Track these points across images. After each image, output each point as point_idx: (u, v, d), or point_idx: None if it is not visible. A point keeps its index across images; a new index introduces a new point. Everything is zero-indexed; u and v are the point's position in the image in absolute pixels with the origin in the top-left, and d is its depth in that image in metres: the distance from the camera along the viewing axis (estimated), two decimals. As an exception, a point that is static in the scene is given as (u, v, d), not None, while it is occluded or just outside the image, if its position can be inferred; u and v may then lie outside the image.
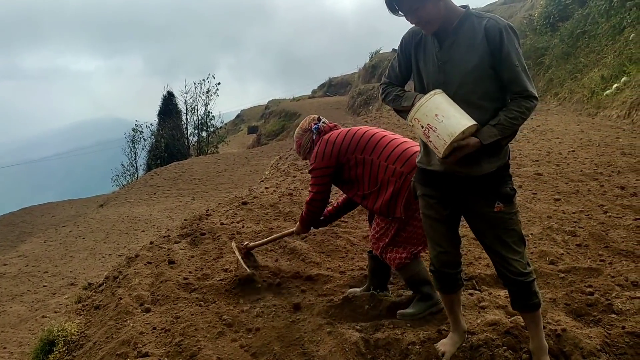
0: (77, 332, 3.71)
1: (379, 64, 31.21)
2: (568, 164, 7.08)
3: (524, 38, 18.24)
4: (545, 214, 4.99)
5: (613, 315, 2.95)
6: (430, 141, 2.18)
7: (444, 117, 2.13)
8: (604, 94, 12.40)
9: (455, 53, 2.25)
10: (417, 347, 2.77)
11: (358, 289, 3.53)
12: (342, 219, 5.20)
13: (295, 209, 5.59)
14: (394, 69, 2.52)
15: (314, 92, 44.47)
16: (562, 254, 4.02)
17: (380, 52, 33.29)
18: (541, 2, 18.83)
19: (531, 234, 4.47)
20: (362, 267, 3.95)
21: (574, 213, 4.98)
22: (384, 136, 3.20)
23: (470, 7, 2.31)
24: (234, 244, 4.13)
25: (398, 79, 2.51)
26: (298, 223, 3.67)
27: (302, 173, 7.50)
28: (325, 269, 4.01)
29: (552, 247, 4.14)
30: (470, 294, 3.44)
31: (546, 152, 8.02)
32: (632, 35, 12.87)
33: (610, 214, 4.85)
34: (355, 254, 4.32)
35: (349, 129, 3.34)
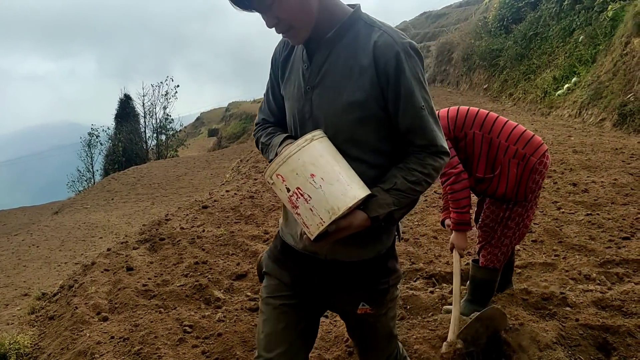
0: (30, 344, 3.57)
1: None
2: (523, 162, 7.27)
3: (479, 40, 18.69)
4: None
5: (567, 309, 3.04)
6: (299, 214, 1.43)
7: (324, 181, 1.40)
8: (556, 94, 12.82)
9: (327, 76, 1.52)
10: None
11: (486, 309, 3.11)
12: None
13: (257, 212, 5.55)
14: (267, 98, 1.76)
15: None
16: (519, 250, 4.12)
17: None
18: (495, 5, 19.30)
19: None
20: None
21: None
22: (498, 116, 2.93)
23: (362, 8, 1.59)
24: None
25: (273, 112, 1.75)
26: (453, 236, 2.91)
27: (263, 175, 7.44)
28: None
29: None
30: (432, 292, 3.49)
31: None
32: (581, 37, 13.35)
33: (563, 210, 5.01)
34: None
35: (456, 106, 3.01)
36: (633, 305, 3.01)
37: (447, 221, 3.09)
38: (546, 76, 13.93)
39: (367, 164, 1.53)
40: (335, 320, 3.22)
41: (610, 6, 12.22)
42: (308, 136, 1.44)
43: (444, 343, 2.66)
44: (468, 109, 2.94)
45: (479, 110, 2.96)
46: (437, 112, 2.97)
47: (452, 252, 2.96)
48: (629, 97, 9.94)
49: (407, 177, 1.49)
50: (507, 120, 2.92)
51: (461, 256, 2.92)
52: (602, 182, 5.77)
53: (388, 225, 1.57)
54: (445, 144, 1.54)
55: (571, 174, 6.39)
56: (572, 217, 4.76)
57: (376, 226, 1.48)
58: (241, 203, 5.93)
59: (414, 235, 4.64)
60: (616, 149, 7.36)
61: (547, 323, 2.89)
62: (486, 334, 2.72)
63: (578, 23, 13.93)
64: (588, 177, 6.11)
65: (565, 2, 14.63)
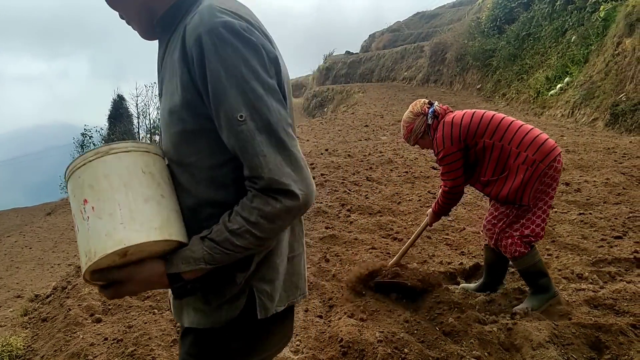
0: (23, 346, 3.55)
1: (333, 66, 31.38)
2: (516, 162, 7.31)
3: (472, 40, 18.74)
4: (495, 211, 5.14)
5: (560, 307, 3.06)
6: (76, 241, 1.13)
7: (94, 212, 1.05)
8: (549, 94, 12.88)
9: (163, 80, 1.23)
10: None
11: (471, 285, 3.53)
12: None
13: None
14: None
15: (268, 94, 44.26)
16: (512, 249, 4.14)
17: (334, 54, 33.49)
18: (488, 6, 19.36)
19: (482, 230, 4.58)
20: (321, 266, 3.95)
21: (522, 209, 5.14)
22: (513, 121, 3.02)
23: None
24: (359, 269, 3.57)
25: None
26: (431, 213, 3.42)
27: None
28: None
29: (502, 243, 4.26)
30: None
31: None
32: (573, 38, 13.41)
33: (556, 209, 5.04)
34: (313, 255, 4.31)
35: (471, 110, 3.14)
36: (625, 304, 3.03)
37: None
38: (539, 76, 13.99)
39: (197, 198, 1.16)
40: (329, 321, 3.22)
41: (602, 6, 12.29)
42: (104, 148, 1.09)
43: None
44: (483, 115, 3.03)
45: (493, 115, 3.04)
46: (450, 117, 3.08)
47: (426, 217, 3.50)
48: (621, 97, 10.00)
49: (228, 224, 1.08)
50: (521, 125, 3.01)
51: (429, 225, 3.50)
52: (594, 181, 5.80)
53: (198, 289, 1.15)
54: (288, 179, 1.05)
55: (564, 173, 6.42)
56: (564, 217, 4.78)
57: (179, 288, 1.12)
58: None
59: (408, 235, 4.64)
60: (608, 148, 7.41)
61: (540, 322, 2.90)
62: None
63: (570, 23, 14.00)
64: (581, 176, 6.15)
65: (558, 3, 14.70)
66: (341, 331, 2.97)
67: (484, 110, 3.12)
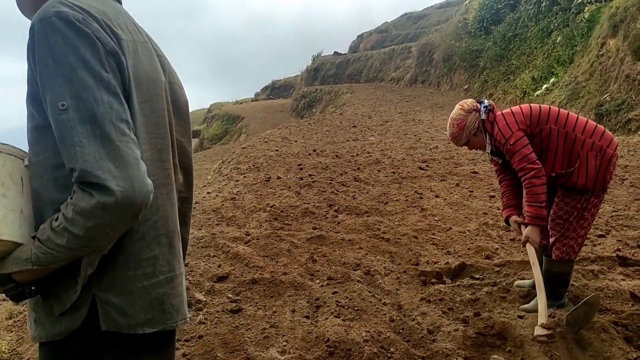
0: (7, 349, 3.52)
1: (321, 67, 31.41)
2: (502, 162, 7.38)
3: (459, 41, 18.85)
4: (481, 211, 5.19)
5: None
6: None
7: None
8: (535, 95, 13.00)
9: None
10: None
11: (526, 281, 3.38)
12: (286, 221, 5.21)
13: (238, 213, 5.53)
14: None
15: (257, 95, 44.19)
16: (497, 248, 4.18)
17: (322, 54, 33.53)
18: (475, 7, 19.49)
19: (468, 230, 4.63)
20: (308, 267, 3.96)
21: (507, 209, 5.19)
22: (568, 112, 2.96)
23: None
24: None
25: None
26: (528, 230, 2.91)
27: (244, 177, 7.44)
28: (268, 272, 4.00)
29: (487, 243, 4.31)
30: (422, 292, 3.52)
31: (482, 151, 8.31)
32: (559, 38, 13.55)
33: (541, 208, 5.09)
34: (300, 256, 4.32)
35: (526, 104, 3.03)
36: (607, 302, 3.08)
37: (514, 217, 3.10)
38: (525, 77, 14.11)
39: (42, 200, 1.10)
40: (316, 321, 3.23)
41: (586, 8, 12.43)
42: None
43: (536, 327, 2.70)
44: (540, 106, 2.96)
45: (550, 107, 2.97)
46: (507, 110, 2.95)
47: (524, 246, 2.99)
48: (605, 97, 10.12)
49: (52, 222, 1.02)
50: (578, 115, 2.96)
51: (536, 250, 2.93)
52: (578, 180, 5.87)
53: (34, 293, 1.08)
54: (103, 174, 0.97)
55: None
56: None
57: (10, 290, 1.06)
58: (222, 205, 5.91)
59: (395, 235, 4.67)
60: (593, 148, 7.50)
61: (525, 320, 2.94)
62: (586, 320, 2.80)
63: (556, 24, 14.14)
64: (565, 176, 6.21)
65: (543, 4, 14.85)
66: (328, 331, 2.98)
67: (538, 104, 3.02)
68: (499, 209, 5.21)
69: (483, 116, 3.02)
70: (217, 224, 5.33)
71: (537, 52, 14.59)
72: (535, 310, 2.93)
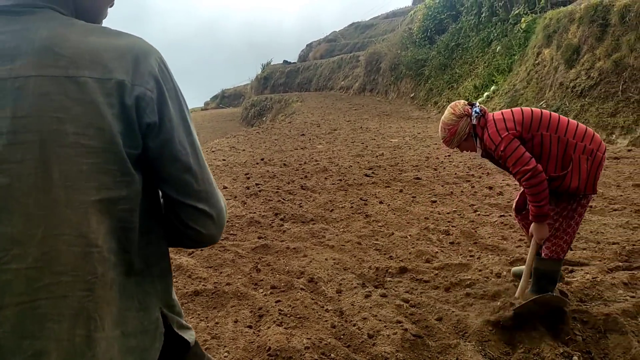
0: None
1: (271, 76, 31.45)
2: (444, 168, 7.60)
3: (405, 50, 19.30)
4: (423, 216, 5.32)
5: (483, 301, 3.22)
6: None
7: None
8: (477, 102, 13.44)
9: None
10: (300, 353, 2.83)
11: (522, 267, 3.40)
12: (231, 231, 5.19)
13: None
14: None
15: (206, 104, 43.75)
16: (437, 252, 4.30)
17: (272, 63, 33.57)
18: (419, 17, 20.03)
19: (409, 235, 4.74)
20: (252, 276, 3.95)
21: (448, 213, 5.36)
22: (559, 115, 3.00)
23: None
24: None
25: None
26: (534, 227, 3.03)
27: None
28: (211, 283, 3.96)
29: (428, 247, 4.42)
30: (367, 294, 3.57)
31: (425, 158, 8.55)
32: (498, 48, 14.10)
33: (479, 212, 5.27)
34: (244, 265, 4.31)
35: (517, 108, 3.06)
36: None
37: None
38: (468, 85, 14.59)
39: None
40: (258, 331, 3.23)
41: (523, 19, 13.00)
42: None
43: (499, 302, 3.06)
44: (532, 111, 2.98)
45: (541, 111, 3.01)
46: (497, 113, 2.99)
47: (530, 238, 3.16)
48: (541, 104, 10.57)
49: None
50: (568, 119, 3.02)
51: (538, 242, 3.07)
52: (515, 184, 6.11)
53: None
54: None
55: (488, 177, 6.74)
56: (486, 219, 5.02)
57: None
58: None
59: (340, 242, 4.73)
60: (529, 153, 7.82)
61: (459, 322, 3.04)
62: (539, 314, 2.94)
63: (495, 34, 14.71)
64: (503, 180, 6.46)
65: (483, 15, 15.42)
66: (269, 340, 2.99)
67: (527, 107, 3.08)
68: (439, 214, 5.37)
69: (474, 122, 3.04)
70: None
71: (478, 61, 15.12)
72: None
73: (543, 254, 3.12)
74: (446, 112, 3.15)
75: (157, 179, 1.09)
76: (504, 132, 2.88)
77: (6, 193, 0.95)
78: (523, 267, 3.53)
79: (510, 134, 2.87)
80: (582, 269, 3.74)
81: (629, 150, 7.54)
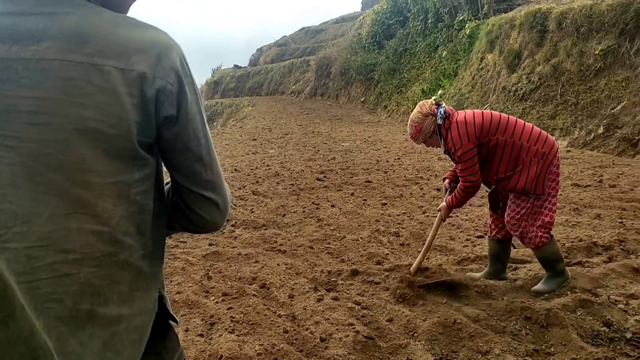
0: None
1: (221, 80, 31.13)
2: (394, 171, 7.74)
3: (355, 55, 19.53)
4: (373, 218, 5.40)
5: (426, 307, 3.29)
6: None
7: None
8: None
9: None
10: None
11: (477, 274, 3.65)
12: (181, 239, 5.10)
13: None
14: None
15: (155, 109, 42.80)
16: (388, 254, 4.37)
17: (222, 67, 33.25)
18: (368, 22, 20.33)
19: (361, 237, 4.80)
20: (203, 284, 3.90)
21: (398, 215, 5.45)
22: (516, 119, 3.26)
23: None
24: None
25: None
26: (444, 207, 3.57)
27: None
28: (161, 292, 3.88)
29: (379, 249, 4.48)
30: (320, 298, 3.57)
31: (376, 161, 8.68)
32: (444, 53, 14.49)
33: (428, 214, 5.39)
34: (195, 273, 4.24)
35: (478, 110, 3.32)
36: (478, 299, 3.33)
37: (447, 182, 3.71)
38: (416, 89, 14.90)
39: None
40: (210, 339, 3.19)
41: (467, 24, 13.40)
42: None
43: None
44: (491, 115, 3.25)
45: (500, 115, 3.27)
46: (461, 116, 3.23)
47: (437, 212, 3.70)
48: (486, 108, 10.93)
49: None
50: (525, 122, 3.28)
51: (442, 220, 3.66)
52: (462, 186, 6.29)
53: None
54: None
55: (436, 179, 6.90)
56: (435, 220, 5.13)
57: None
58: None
59: (292, 246, 4.73)
60: (475, 155, 8.06)
61: (409, 322, 3.10)
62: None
63: (441, 40, 15.10)
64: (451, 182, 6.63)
65: (430, 21, 15.80)
66: (221, 347, 2.95)
67: (488, 111, 3.33)
68: (390, 216, 5.45)
69: (439, 121, 3.29)
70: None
71: (425, 65, 15.47)
72: (479, 278, 3.61)
73: (531, 247, 3.37)
74: (414, 110, 3.42)
75: (168, 165, 1.13)
76: (465, 139, 3.16)
77: (17, 171, 0.96)
78: (476, 274, 3.69)
79: (470, 142, 3.16)
80: (525, 266, 3.90)
81: (568, 151, 7.90)
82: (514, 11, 11.63)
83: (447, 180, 3.71)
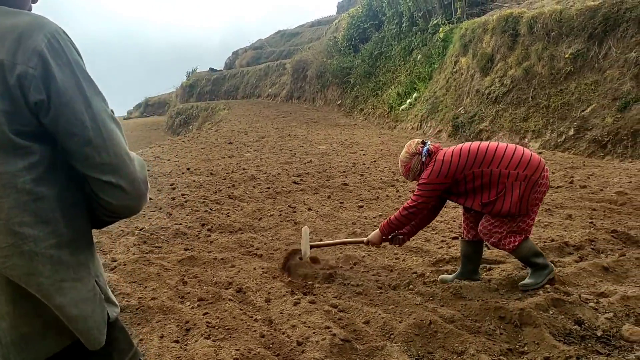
0: None
1: (197, 83, 30.92)
2: (370, 174, 7.78)
3: (330, 58, 19.58)
4: (350, 221, 5.41)
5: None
6: None
7: None
8: (400, 109, 13.87)
9: None
10: None
11: (449, 276, 3.72)
12: (156, 244, 5.04)
13: (104, 239, 5.24)
14: None
15: (129, 113, 42.26)
16: (364, 256, 4.39)
17: (197, 70, 33.02)
18: (344, 26, 20.42)
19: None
20: (178, 289, 3.85)
21: (374, 217, 5.48)
22: (498, 146, 3.35)
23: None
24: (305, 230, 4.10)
25: None
26: (377, 231, 3.74)
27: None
28: (136, 298, 3.82)
29: (355, 251, 4.50)
30: (296, 302, 3.56)
31: (352, 164, 8.71)
32: (419, 56, 14.64)
33: (404, 216, 5.43)
34: (170, 279, 4.19)
35: (460, 146, 3.45)
36: (452, 300, 3.36)
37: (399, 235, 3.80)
38: (391, 92, 15.01)
39: None
40: (185, 345, 3.15)
41: (441, 28, 13.56)
42: None
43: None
44: (469, 149, 3.35)
45: (479, 146, 3.36)
46: (441, 154, 3.37)
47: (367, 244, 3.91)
48: (460, 110, 11.08)
49: None
50: (506, 147, 3.35)
51: (367, 244, 3.86)
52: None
53: None
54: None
55: (412, 184, 6.95)
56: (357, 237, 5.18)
57: None
58: (87, 231, 5.57)
59: (268, 250, 4.71)
60: (450, 157, 8.15)
61: (385, 324, 3.11)
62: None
63: (416, 43, 15.24)
64: (426, 184, 6.69)
65: (404, 25, 15.94)
66: (197, 354, 2.92)
67: (470, 143, 3.43)
68: (366, 219, 5.48)
69: (424, 159, 3.50)
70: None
71: (400, 69, 15.60)
72: (452, 280, 3.67)
73: (509, 250, 3.43)
74: (403, 150, 3.63)
75: (64, 152, 1.09)
76: (434, 176, 3.35)
77: None
78: (448, 276, 3.78)
79: (440, 180, 3.34)
80: (499, 267, 3.95)
81: (540, 153, 8.05)
82: (486, 15, 11.82)
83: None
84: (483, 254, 3.84)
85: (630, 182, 6.02)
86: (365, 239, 3.83)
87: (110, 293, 1.28)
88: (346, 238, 3.87)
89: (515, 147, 3.40)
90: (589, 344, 2.80)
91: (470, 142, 3.50)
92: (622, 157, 7.30)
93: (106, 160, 1.08)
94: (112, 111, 1.15)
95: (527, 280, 3.47)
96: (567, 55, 8.75)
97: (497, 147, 3.36)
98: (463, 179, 3.34)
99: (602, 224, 4.62)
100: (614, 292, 3.23)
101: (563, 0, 9.62)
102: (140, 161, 1.19)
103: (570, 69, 8.73)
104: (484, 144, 3.41)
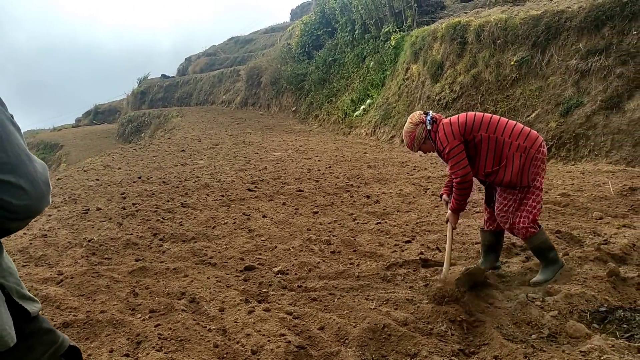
0: None
1: (149, 90, 30.32)
2: (325, 179, 7.81)
3: (285, 65, 19.59)
4: (305, 227, 5.41)
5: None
6: None
7: None
8: (354, 115, 14.01)
9: None
10: None
11: (470, 267, 3.69)
12: (106, 255, 4.90)
13: (50, 251, 5.05)
14: None
15: (78, 120, 40.96)
16: (319, 262, 4.39)
17: (149, 77, 32.37)
18: (297, 33, 20.48)
19: (292, 247, 4.79)
20: (129, 301, 3.75)
21: (329, 223, 5.50)
22: (500, 118, 3.53)
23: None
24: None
25: None
26: (450, 214, 3.68)
27: (59, 211, 6.81)
28: (84, 312, 3.70)
29: (310, 257, 4.50)
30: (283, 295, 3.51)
31: (307, 170, 8.72)
32: (371, 64, 14.84)
33: (358, 221, 5.48)
34: (120, 291, 4.08)
35: (464, 113, 3.58)
36: (405, 304, 3.41)
37: (445, 197, 3.88)
38: (345, 99, 15.15)
39: None
40: (136, 358, 3.07)
41: (392, 36, 13.80)
42: None
43: (440, 277, 3.55)
44: (475, 115, 3.55)
45: (483, 114, 3.56)
46: (447, 119, 3.51)
47: (446, 223, 3.75)
48: (412, 116, 11.29)
49: None
50: (508, 120, 3.56)
51: (453, 228, 3.71)
52: (390, 192, 6.44)
53: None
54: None
55: (366, 187, 7.03)
56: (365, 227, 5.22)
57: None
58: (31, 243, 5.34)
59: (222, 259, 4.64)
60: (402, 162, 8.30)
61: (340, 329, 3.12)
62: (469, 284, 3.47)
63: (368, 50, 15.45)
64: (379, 189, 6.78)
65: (357, 32, 16.14)
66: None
67: (475, 112, 3.62)
68: (321, 224, 5.49)
69: (428, 127, 3.60)
70: (23, 266, 4.80)
71: (354, 76, 15.77)
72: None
73: (521, 237, 3.59)
74: (406, 122, 3.72)
75: None
76: (451, 136, 3.47)
77: None
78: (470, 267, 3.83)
79: (456, 139, 3.45)
80: (450, 269, 4.03)
81: (489, 157, 8.27)
82: (435, 24, 12.11)
83: (444, 195, 3.93)
84: (502, 245, 3.99)
85: (573, 184, 6.27)
86: (450, 227, 3.73)
87: (25, 291, 1.30)
88: (448, 241, 3.68)
89: (515, 122, 3.63)
90: (536, 342, 2.90)
91: (479, 112, 3.68)
92: (565, 160, 7.60)
93: (4, 160, 1.11)
94: (11, 115, 1.17)
95: (537, 277, 3.61)
96: (512, 62, 9.06)
97: (499, 118, 3.57)
98: (472, 141, 3.49)
99: (547, 224, 4.80)
100: (558, 291, 3.35)
101: (508, 10, 9.97)
102: (42, 163, 1.22)
103: (515, 76, 9.04)
104: (487, 114, 3.60)
